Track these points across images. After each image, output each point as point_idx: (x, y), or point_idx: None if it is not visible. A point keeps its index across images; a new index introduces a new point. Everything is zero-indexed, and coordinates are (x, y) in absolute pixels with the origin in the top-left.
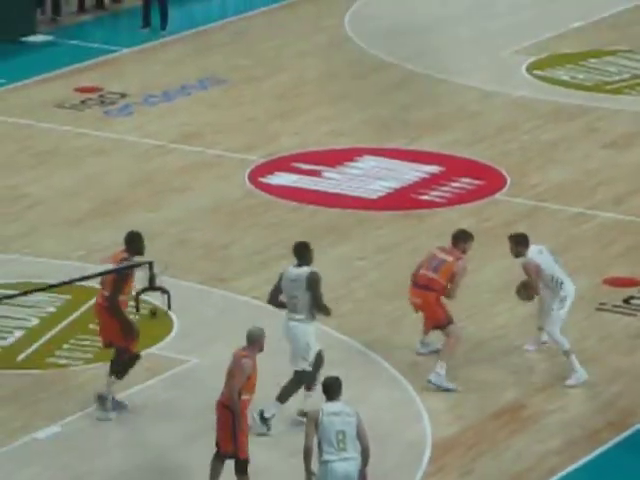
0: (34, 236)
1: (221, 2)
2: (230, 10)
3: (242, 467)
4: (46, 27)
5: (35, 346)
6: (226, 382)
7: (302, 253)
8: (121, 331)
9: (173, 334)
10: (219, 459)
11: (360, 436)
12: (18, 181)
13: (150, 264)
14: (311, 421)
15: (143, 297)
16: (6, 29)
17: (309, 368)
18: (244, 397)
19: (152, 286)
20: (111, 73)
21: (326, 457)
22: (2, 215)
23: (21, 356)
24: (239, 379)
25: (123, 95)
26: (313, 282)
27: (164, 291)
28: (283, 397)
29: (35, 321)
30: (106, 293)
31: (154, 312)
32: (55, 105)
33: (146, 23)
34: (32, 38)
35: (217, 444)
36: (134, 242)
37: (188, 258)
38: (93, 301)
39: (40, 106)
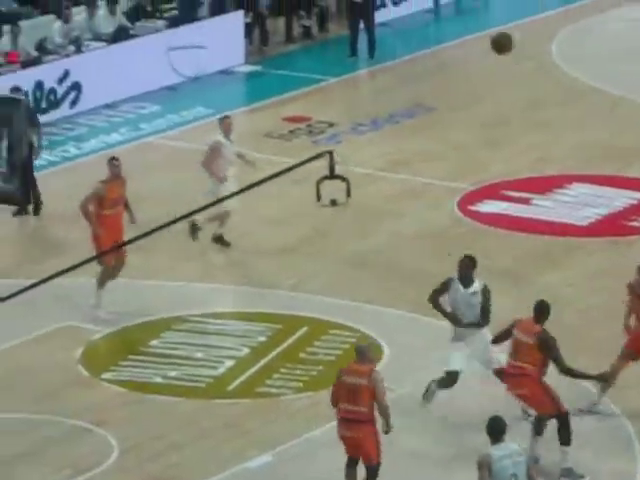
0: (243, 265)
1: (428, 31)
2: (436, 39)
3: (375, 473)
4: (254, 57)
5: (246, 376)
6: (355, 400)
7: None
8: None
9: (383, 362)
10: (352, 465)
11: (530, 476)
12: None
13: (330, 153)
14: (484, 468)
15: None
16: (216, 60)
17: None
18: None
19: (332, 174)
20: (319, 102)
21: None
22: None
23: (232, 385)
24: (382, 390)
25: (331, 124)
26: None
27: (343, 179)
28: None
29: (246, 350)
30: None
31: (334, 201)
32: (264, 135)
33: (353, 52)
34: (241, 68)
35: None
36: (546, 313)
37: (398, 285)
38: (304, 330)
39: (249, 136)
